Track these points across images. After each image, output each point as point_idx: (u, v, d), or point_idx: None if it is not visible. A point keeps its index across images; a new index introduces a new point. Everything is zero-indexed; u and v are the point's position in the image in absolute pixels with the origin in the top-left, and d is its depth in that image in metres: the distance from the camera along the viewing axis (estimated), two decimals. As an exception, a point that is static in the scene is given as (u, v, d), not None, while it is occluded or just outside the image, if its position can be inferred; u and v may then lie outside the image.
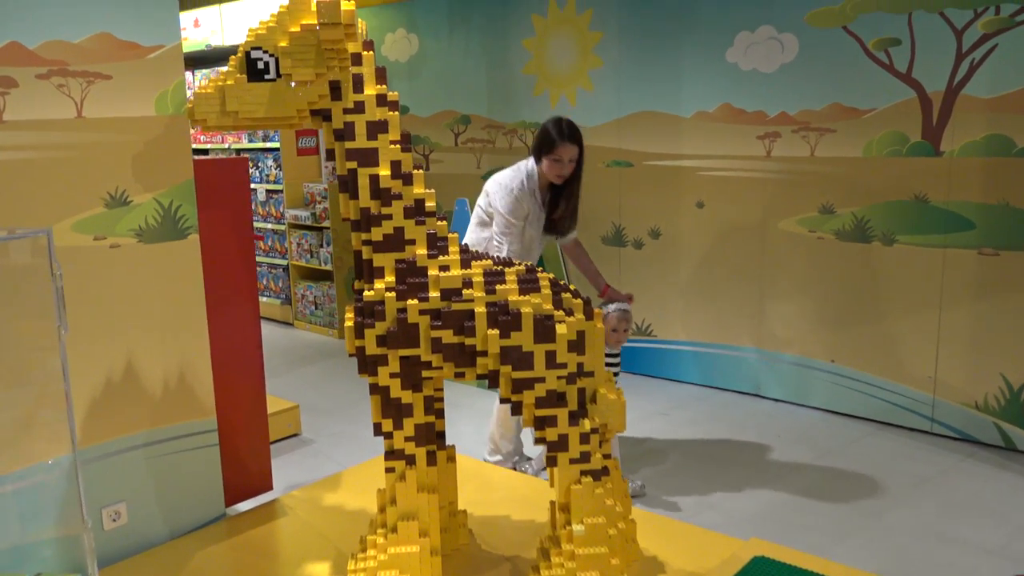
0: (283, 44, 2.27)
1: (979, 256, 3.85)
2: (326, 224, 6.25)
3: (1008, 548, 3.06)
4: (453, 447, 2.77)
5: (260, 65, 2.28)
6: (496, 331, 2.31)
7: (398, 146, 2.40)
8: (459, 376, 2.46)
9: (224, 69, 2.34)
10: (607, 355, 3.59)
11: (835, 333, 4.36)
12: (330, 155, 2.46)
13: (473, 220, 3.68)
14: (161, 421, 2.81)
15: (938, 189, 3.92)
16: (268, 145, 6.42)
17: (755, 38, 4.35)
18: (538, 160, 3.45)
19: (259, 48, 2.28)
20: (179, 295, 2.81)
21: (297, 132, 6.26)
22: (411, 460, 2.48)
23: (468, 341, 2.34)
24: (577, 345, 2.37)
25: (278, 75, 2.29)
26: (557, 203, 3.53)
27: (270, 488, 3.26)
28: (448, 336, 2.36)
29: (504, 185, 3.49)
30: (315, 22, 2.26)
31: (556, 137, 3.36)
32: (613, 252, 5.16)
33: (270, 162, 6.55)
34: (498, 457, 3.75)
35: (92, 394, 2.64)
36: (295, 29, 2.26)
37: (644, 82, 4.79)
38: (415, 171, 2.42)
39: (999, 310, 3.83)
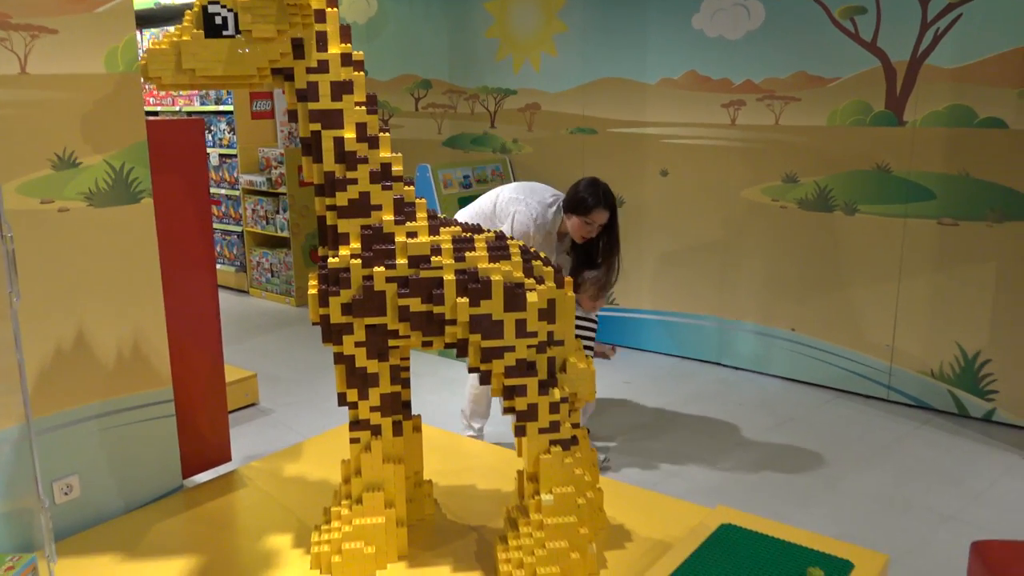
0: (242, -2, 2.16)
1: (939, 226, 3.90)
2: (282, 190, 6.10)
3: (964, 512, 3.13)
4: (419, 416, 2.73)
5: (218, 20, 2.17)
6: (465, 299, 2.26)
7: (363, 108, 2.31)
8: (426, 345, 2.40)
9: (179, 25, 2.23)
10: (586, 320, 3.57)
11: (796, 302, 4.39)
12: (292, 116, 2.36)
13: (469, 211, 3.66)
14: (115, 392, 2.71)
15: (900, 159, 3.94)
16: (221, 108, 6.22)
17: (721, 4, 4.31)
18: (567, 214, 3.43)
19: (216, 3, 2.16)
20: (133, 262, 2.70)
21: (252, 95, 6.07)
22: (376, 430, 2.43)
23: (436, 309, 2.28)
24: (548, 313, 2.33)
25: (237, 31, 2.19)
26: (587, 264, 3.49)
27: (228, 459, 3.19)
28: (416, 304, 2.30)
29: (524, 209, 3.48)
30: (276, -25, 2.16)
31: (591, 202, 3.32)
32: (576, 220, 5.12)
33: (223, 126, 6.35)
34: (471, 434, 3.71)
35: (42, 365, 2.53)
36: (255, -18, 2.16)
37: (609, 48, 4.73)
38: (381, 134, 2.34)
39: (957, 280, 3.88)
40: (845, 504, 3.20)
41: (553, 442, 2.38)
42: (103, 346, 2.66)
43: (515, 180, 5.33)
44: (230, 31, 2.19)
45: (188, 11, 2.26)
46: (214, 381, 3.11)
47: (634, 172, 4.81)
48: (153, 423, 2.81)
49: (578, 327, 3.40)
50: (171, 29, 2.32)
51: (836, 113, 4.08)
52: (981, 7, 3.62)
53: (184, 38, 2.18)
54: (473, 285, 2.27)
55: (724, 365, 4.72)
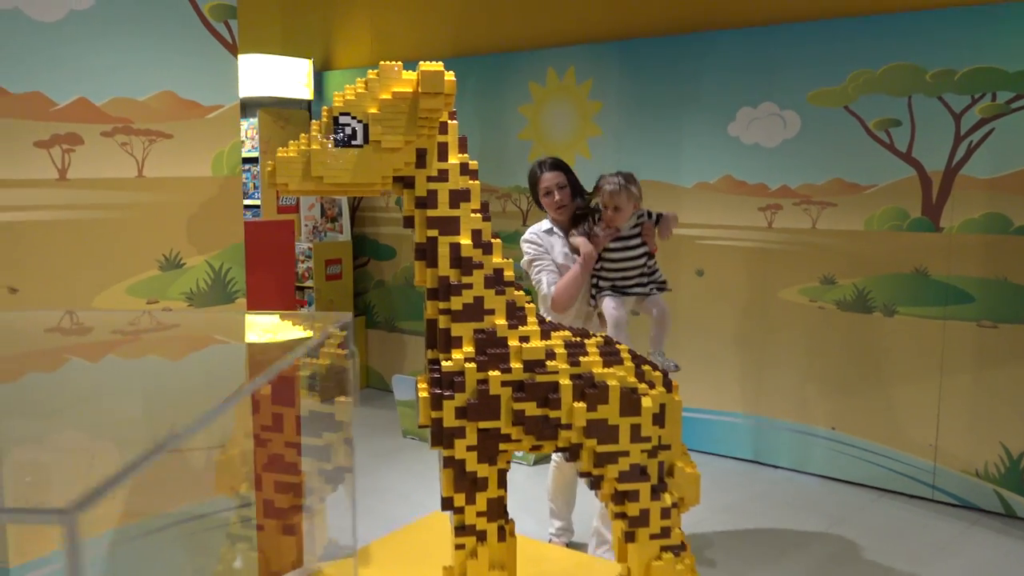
0: (373, 111, 2.24)
1: (978, 328, 4.02)
2: (309, 284, 6.13)
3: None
4: (513, 522, 2.70)
5: (348, 131, 2.25)
6: (583, 404, 2.28)
7: (479, 215, 2.37)
8: (535, 449, 2.41)
9: (305, 134, 2.30)
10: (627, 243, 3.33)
11: (836, 400, 4.46)
12: (407, 223, 2.42)
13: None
14: (200, 496, 2.67)
15: (938, 263, 4.09)
16: (248, 202, 6.29)
17: (757, 114, 4.52)
18: (540, 205, 3.49)
19: (347, 114, 2.24)
20: (222, 361, 2.69)
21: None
22: (482, 536, 2.40)
23: (552, 414, 2.30)
24: (659, 418, 2.36)
25: (366, 141, 2.26)
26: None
27: (300, 564, 3.11)
28: (531, 408, 2.32)
29: (525, 238, 3.53)
30: (406, 90, 2.24)
31: (537, 170, 3.44)
32: (609, 317, 5.19)
33: (249, 216, 6.41)
34: (556, 531, 3.70)
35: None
36: (386, 96, 2.24)
37: (644, 152, 4.90)
38: (494, 240, 2.40)
39: (998, 380, 3.98)
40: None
41: (664, 548, 2.37)
42: (193, 448, 2.63)
43: (546, 277, 5.40)
44: (359, 141, 2.26)
45: (315, 121, 2.34)
46: (293, 484, 3.06)
47: (670, 271, 4.87)
48: (233, 528, 2.76)
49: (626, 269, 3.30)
50: (303, 135, 2.39)
51: (873, 218, 4.24)
52: (1012, 122, 3.84)
53: (313, 147, 2.25)
54: (590, 390, 2.29)
55: (762, 463, 4.73)
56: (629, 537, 2.38)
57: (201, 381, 2.16)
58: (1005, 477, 4.01)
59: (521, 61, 5.35)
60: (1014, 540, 3.81)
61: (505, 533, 2.49)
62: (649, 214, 3.33)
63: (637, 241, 3.31)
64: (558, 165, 3.44)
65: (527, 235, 3.47)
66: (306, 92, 6.19)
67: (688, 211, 4.81)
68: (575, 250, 3.33)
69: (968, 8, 3.90)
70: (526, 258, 3.45)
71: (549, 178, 3.41)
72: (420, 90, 2.14)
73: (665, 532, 2.35)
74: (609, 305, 3.25)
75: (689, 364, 4.92)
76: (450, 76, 2.17)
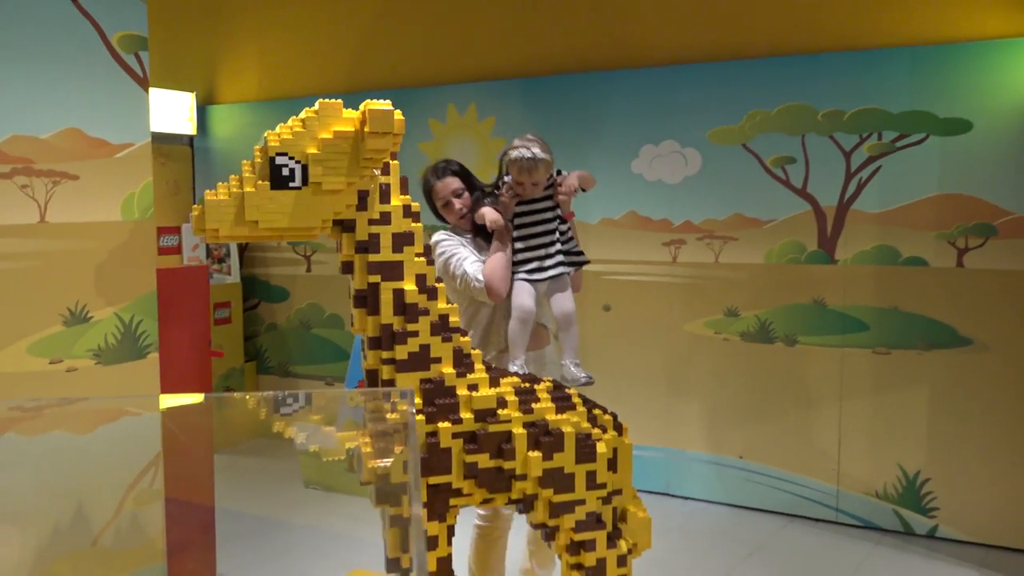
0: (312, 151, 2.11)
1: (873, 355, 4.22)
2: (194, 328, 5.76)
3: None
4: (458, 579, 2.57)
5: (285, 172, 2.11)
6: (538, 453, 2.21)
7: (423, 259, 2.28)
8: (486, 502, 2.32)
9: (235, 176, 2.14)
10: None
11: (743, 429, 4.57)
12: (346, 268, 2.28)
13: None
14: (111, 572, 2.40)
15: (834, 294, 4.28)
16: (124, 242, 5.87)
17: (660, 151, 4.63)
18: (439, 217, 3.02)
19: (284, 154, 2.10)
20: (134, 422, 2.45)
21: (159, 229, 5.78)
22: (432, 598, 2.27)
23: (506, 465, 2.21)
24: (613, 463, 2.31)
25: (304, 183, 2.13)
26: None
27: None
28: (484, 460, 2.22)
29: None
30: (348, 128, 2.13)
31: (430, 179, 2.94)
32: (517, 354, 5.14)
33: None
34: None
35: (42, 549, 2.21)
36: (326, 135, 2.12)
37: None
38: (437, 284, 2.30)
39: (893, 404, 4.19)
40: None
41: (621, 597, 2.32)
42: (100, 522, 2.37)
43: (451, 315, 5.31)
44: (297, 183, 2.12)
45: (246, 161, 2.18)
46: (206, 553, 2.82)
47: (577, 307, 4.91)
48: (146, 605, 2.50)
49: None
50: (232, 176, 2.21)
51: (773, 252, 4.41)
52: (897, 161, 4.09)
53: (247, 189, 2.09)
54: (545, 438, 2.22)
55: (673, 495, 4.78)
56: (585, 588, 2.31)
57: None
58: (903, 496, 4.20)
59: (421, 97, 5.28)
60: (914, 556, 3.99)
61: (455, 593, 2.38)
62: (559, 172, 2.85)
63: (548, 204, 2.81)
64: (450, 169, 2.96)
65: (437, 236, 2.95)
66: (188, 127, 5.88)
67: (594, 247, 4.84)
68: (480, 229, 2.86)
69: (854, 52, 4.15)
70: (442, 259, 2.86)
71: (442, 187, 2.91)
72: (367, 129, 2.03)
73: (622, 580, 2.30)
74: (518, 294, 2.74)
75: (597, 399, 4.93)
76: (399, 115, 2.08)
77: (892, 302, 4.17)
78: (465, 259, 2.79)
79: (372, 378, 2.30)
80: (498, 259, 2.74)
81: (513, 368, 2.63)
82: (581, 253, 2.90)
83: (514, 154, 2.73)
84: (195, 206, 2.12)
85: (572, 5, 4.93)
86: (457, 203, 2.90)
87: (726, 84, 4.44)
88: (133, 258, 2.42)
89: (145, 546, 2.50)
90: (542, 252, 2.78)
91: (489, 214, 2.75)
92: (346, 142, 2.12)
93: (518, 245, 2.79)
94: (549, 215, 2.79)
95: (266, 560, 3.99)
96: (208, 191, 2.12)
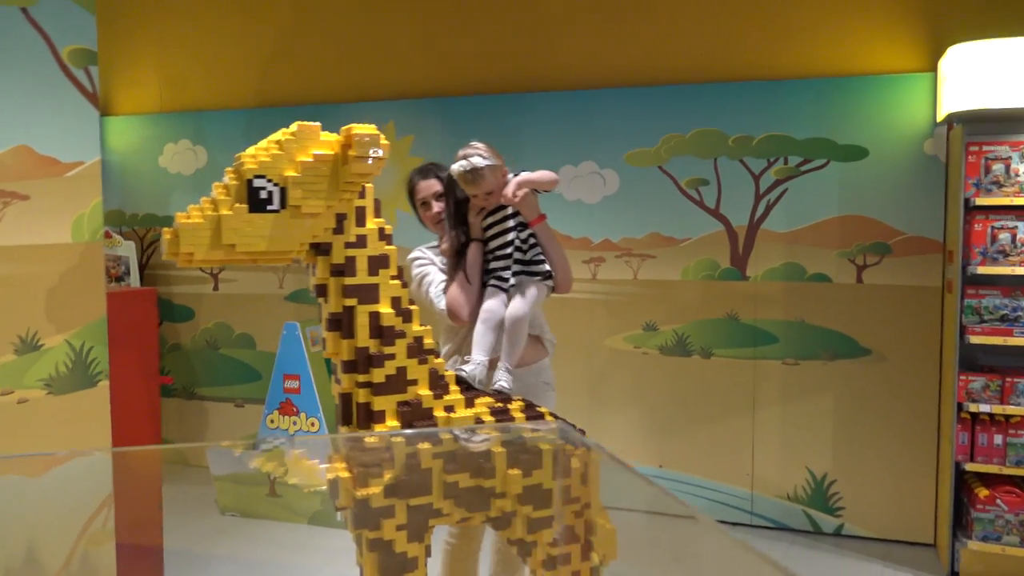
0: (291, 173, 2.08)
1: (783, 366, 4.49)
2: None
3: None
4: (427, 601, 2.57)
5: (263, 195, 2.07)
6: (518, 470, 2.24)
7: (398, 281, 2.28)
8: (463, 521, 2.33)
9: (207, 198, 2.09)
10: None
11: (662, 440, 4.74)
12: (320, 291, 2.26)
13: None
14: (62, 616, 2.27)
15: (746, 308, 4.53)
16: None
17: (579, 172, 4.76)
18: (421, 219, 3.01)
19: (262, 176, 2.07)
20: (86, 461, 2.33)
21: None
22: (410, 622, 2.26)
23: (486, 483, 2.24)
24: (584, 477, 2.38)
25: (282, 206, 2.09)
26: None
27: None
28: (464, 479, 2.24)
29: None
30: (327, 152, 2.12)
31: (414, 177, 2.96)
32: (438, 372, 5.15)
33: None
34: None
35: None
36: (305, 158, 2.10)
37: (468, 207, 4.96)
38: (411, 306, 2.31)
39: (801, 411, 4.46)
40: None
41: (594, 608, 2.38)
42: (53, 563, 2.23)
43: (370, 334, 5.25)
44: (275, 206, 2.09)
45: (217, 183, 2.13)
46: (153, 587, 2.69)
47: (497, 324, 4.98)
48: (96, 649, 2.36)
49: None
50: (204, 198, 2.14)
51: (688, 269, 4.62)
52: (802, 184, 4.38)
53: (223, 212, 2.04)
54: (524, 455, 2.26)
55: (594, 506, 4.89)
56: (559, 601, 2.36)
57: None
58: (812, 498, 4.48)
59: (335, 114, 5.21)
60: (823, 553, 4.26)
61: (430, 615, 2.37)
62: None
63: (506, 212, 2.73)
64: (435, 173, 2.93)
65: (415, 252, 2.96)
66: (82, 139, 5.56)
67: (514, 264, 4.93)
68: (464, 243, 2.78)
69: (762, 82, 4.42)
70: (415, 281, 2.87)
71: (426, 187, 2.92)
72: (353, 153, 2.03)
73: (595, 592, 2.37)
74: (487, 296, 2.70)
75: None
76: (384, 139, 2.09)
77: (799, 316, 4.45)
78: (432, 282, 2.80)
79: (346, 402, 2.28)
80: (459, 282, 2.75)
81: (467, 368, 2.58)
82: (541, 262, 2.77)
83: (454, 168, 2.69)
84: (166, 229, 2.05)
85: (494, 27, 5.01)
86: (435, 206, 2.88)
87: (642, 109, 4.63)
88: (83, 282, 2.30)
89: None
90: (504, 262, 2.74)
91: (511, 186, 2.67)
92: (326, 165, 2.11)
93: (488, 256, 2.77)
94: (510, 223, 2.73)
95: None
96: (179, 213, 2.06)
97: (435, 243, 2.98)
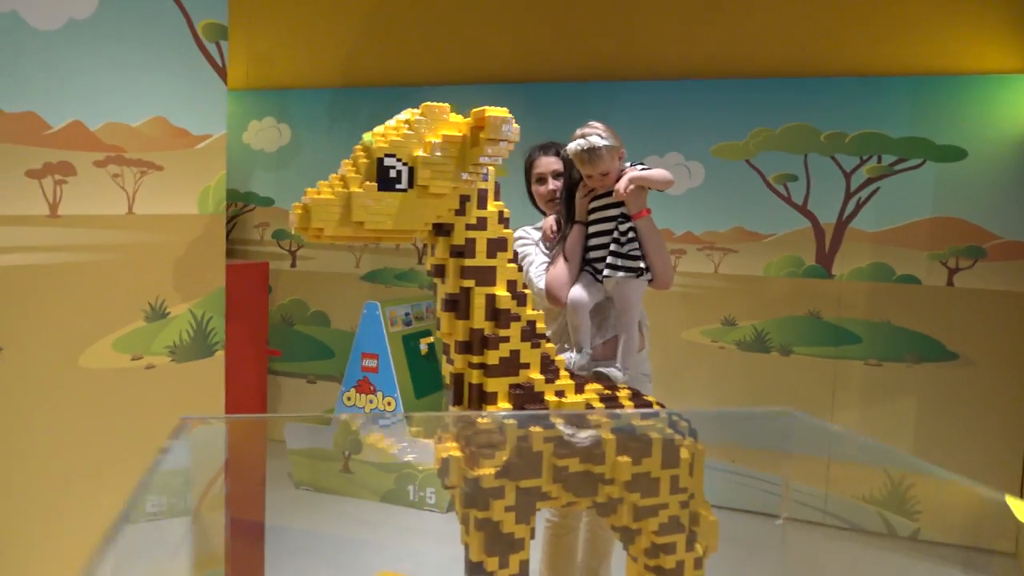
0: (420, 153, 2.11)
1: (866, 366, 4.42)
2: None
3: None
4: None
5: (392, 174, 2.10)
6: (627, 458, 2.25)
7: (514, 265, 2.29)
8: (569, 505, 2.35)
9: (336, 175, 2.12)
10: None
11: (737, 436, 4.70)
12: (438, 272, 2.28)
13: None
14: (177, 576, 2.34)
15: (829, 307, 4.46)
16: None
17: (664, 163, 4.72)
18: (531, 196, 2.99)
19: (392, 156, 2.09)
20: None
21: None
22: (513, 600, 2.29)
23: (596, 469, 2.25)
24: (690, 468, 2.37)
25: (410, 185, 2.12)
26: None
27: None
28: (574, 464, 2.25)
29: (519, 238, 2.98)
30: (455, 133, 2.13)
31: (534, 153, 2.95)
32: (510, 358, 5.17)
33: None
34: None
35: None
36: (434, 139, 2.12)
37: (548, 194, 4.96)
38: (526, 290, 2.32)
39: (883, 413, 4.39)
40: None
41: (696, 599, 2.38)
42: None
43: (444, 317, 5.30)
44: (403, 185, 2.11)
45: (346, 160, 2.16)
46: (253, 560, 2.76)
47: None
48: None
49: None
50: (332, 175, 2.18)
51: (771, 265, 4.56)
52: (895, 183, 4.30)
53: (354, 189, 2.07)
54: (634, 443, 2.27)
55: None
56: (659, 590, 2.37)
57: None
58: (888, 500, 4.41)
59: (418, 96, 5.21)
60: (898, 556, 4.20)
61: (532, 595, 2.40)
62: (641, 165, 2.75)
63: (609, 200, 2.70)
64: (556, 150, 2.90)
65: (517, 232, 2.90)
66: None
67: (592, 253, 4.92)
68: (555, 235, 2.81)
69: (858, 79, 4.33)
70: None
71: (545, 163, 2.90)
72: (486, 136, 2.04)
73: (697, 583, 2.37)
74: (574, 290, 2.71)
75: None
76: (516, 124, 2.10)
77: (885, 316, 4.37)
78: (532, 263, 2.80)
79: (458, 383, 2.30)
80: (559, 265, 2.75)
81: (571, 356, 2.63)
82: (638, 258, 2.69)
83: (570, 147, 2.66)
84: (296, 204, 2.09)
85: (583, 13, 4.99)
86: (552, 183, 2.88)
87: (731, 101, 4.57)
88: (206, 253, 2.36)
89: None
90: (600, 252, 2.71)
91: (623, 180, 2.66)
92: (454, 146, 2.13)
93: (590, 242, 2.74)
94: (612, 212, 2.70)
95: (274, 567, 3.91)
96: (310, 189, 2.10)
97: (539, 224, 2.99)
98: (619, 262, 2.72)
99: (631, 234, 2.74)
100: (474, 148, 2.11)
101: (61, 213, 1.94)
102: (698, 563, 2.35)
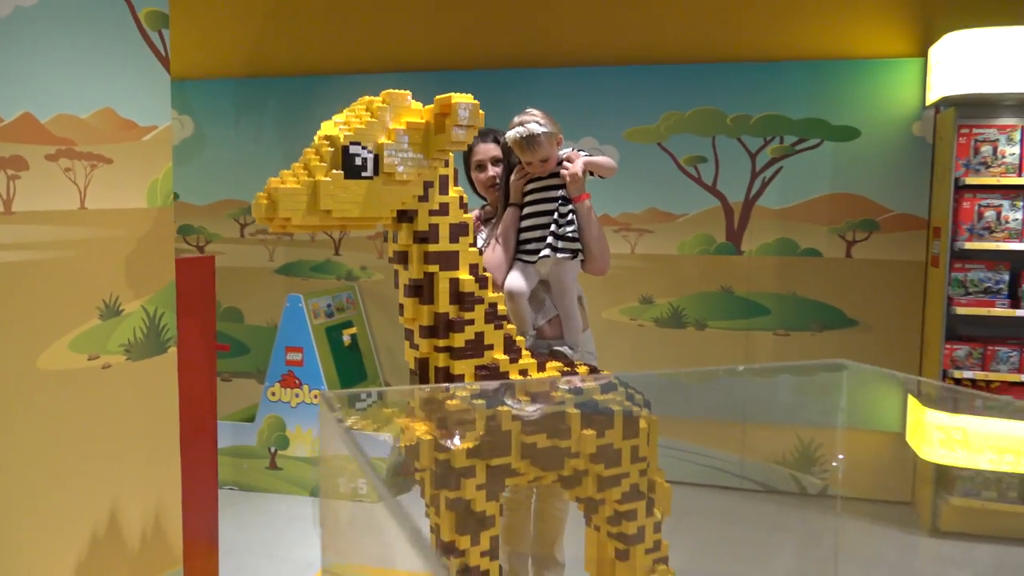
0: (385, 141, 2.12)
1: (775, 337, 4.69)
2: None
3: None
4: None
5: (358, 161, 2.10)
6: (592, 431, 2.34)
7: (475, 248, 2.34)
8: (535, 480, 2.42)
9: (297, 165, 2.12)
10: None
11: (655, 409, 4.89)
12: (401, 258, 2.30)
13: None
14: (140, 579, 2.28)
15: (740, 282, 4.70)
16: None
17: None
18: (471, 183, 3.01)
19: (358, 143, 2.10)
20: (156, 426, 2.34)
21: None
22: (485, 577, 2.35)
23: (562, 444, 2.33)
24: (648, 436, 2.49)
25: (375, 173, 2.13)
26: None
27: None
28: (542, 440, 2.33)
29: None
30: (419, 120, 2.16)
31: (474, 140, 2.89)
32: (433, 345, 5.19)
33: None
34: None
35: (77, 551, 2.08)
36: (399, 126, 2.14)
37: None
38: (486, 273, 2.37)
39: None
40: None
41: (657, 560, 2.50)
42: (128, 528, 2.24)
43: (365, 308, 5.26)
44: (369, 172, 2.12)
45: (308, 149, 2.15)
46: (208, 562, 2.71)
47: (494, 297, 5.05)
48: (166, 613, 2.38)
49: None
50: (295, 165, 2.16)
51: (685, 244, 4.76)
52: (796, 162, 4.56)
53: (320, 177, 2.06)
54: (597, 416, 2.36)
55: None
56: (622, 556, 2.47)
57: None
58: (798, 462, 4.71)
59: (331, 85, 5.17)
60: (811, 513, 4.50)
61: (502, 571, 2.46)
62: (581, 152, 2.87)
63: (554, 182, 2.76)
64: (495, 137, 2.95)
65: None
66: None
67: (511, 238, 5.00)
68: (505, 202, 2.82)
69: (761, 64, 4.57)
70: None
71: (484, 150, 2.93)
72: (452, 122, 2.07)
73: (657, 545, 2.48)
74: (509, 278, 2.73)
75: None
76: (481, 111, 2.14)
77: (791, 289, 4.65)
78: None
79: (424, 367, 2.33)
80: (494, 249, 2.78)
81: None
82: (575, 239, 2.76)
83: (510, 134, 2.71)
84: (260, 195, 2.07)
85: (495, 1, 5.03)
86: (491, 169, 2.92)
87: (642, 87, 4.73)
88: (156, 247, 2.28)
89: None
90: (539, 232, 2.75)
91: (579, 164, 2.76)
92: (418, 133, 2.16)
93: (523, 223, 2.77)
94: (556, 194, 2.76)
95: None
96: (273, 179, 2.08)
97: (477, 209, 3.02)
98: (559, 243, 2.77)
99: (570, 216, 2.82)
100: (438, 135, 2.14)
101: (16, 210, 1.85)
102: (657, 527, 2.47)
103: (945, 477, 4.19)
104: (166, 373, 2.34)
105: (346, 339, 4.88)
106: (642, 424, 2.42)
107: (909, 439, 3.80)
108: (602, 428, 2.35)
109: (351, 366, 4.91)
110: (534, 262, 2.78)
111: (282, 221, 2.05)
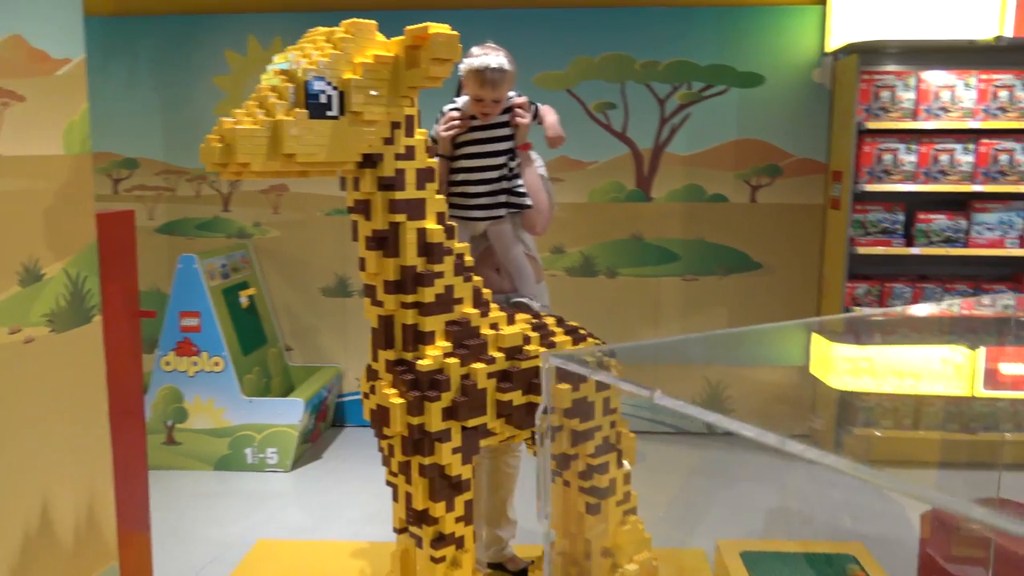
0: (351, 76, 1.91)
1: (683, 282, 4.76)
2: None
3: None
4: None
5: (323, 99, 1.89)
6: (567, 385, 2.25)
7: (442, 196, 2.17)
8: (509, 439, 2.32)
9: (251, 103, 1.87)
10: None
11: (569, 359, 4.89)
12: (361, 207, 2.10)
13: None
14: (78, 578, 2.03)
15: (650, 228, 4.72)
16: None
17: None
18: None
19: (321, 79, 1.88)
20: (83, 406, 2.06)
21: None
22: (460, 543, 2.24)
23: (538, 399, 2.23)
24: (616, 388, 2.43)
25: (341, 112, 1.92)
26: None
27: None
28: (518, 397, 2.22)
29: None
30: (387, 53, 1.96)
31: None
32: (337, 303, 4.94)
33: None
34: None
35: (7, 554, 1.82)
36: (365, 60, 1.93)
37: (366, 129, 4.73)
38: (452, 223, 2.21)
39: (700, 324, 4.77)
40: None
41: (627, 511, 2.46)
42: (61, 520, 1.97)
43: (260, 268, 4.93)
44: (334, 112, 1.90)
45: (263, 85, 1.91)
46: (142, 553, 2.45)
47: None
48: (105, 611, 2.13)
49: None
50: (248, 103, 1.89)
51: (595, 192, 4.72)
52: (704, 109, 4.59)
53: (280, 117, 1.83)
54: (568, 370, 2.26)
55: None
56: (593, 510, 2.42)
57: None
58: (708, 403, 4.83)
59: (213, 25, 4.73)
60: (719, 452, 4.66)
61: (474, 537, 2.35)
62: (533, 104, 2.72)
63: (506, 131, 2.61)
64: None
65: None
66: None
67: (416, 189, 4.80)
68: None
69: (669, 8, 4.54)
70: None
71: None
72: (429, 56, 1.89)
73: (627, 496, 2.45)
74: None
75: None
76: (456, 40, 1.96)
77: (699, 234, 4.72)
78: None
79: (387, 325, 2.17)
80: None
81: None
82: (524, 195, 2.65)
83: (476, 63, 2.47)
84: (211, 136, 1.82)
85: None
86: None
87: (552, 31, 4.60)
88: (75, 202, 1.97)
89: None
90: (489, 186, 2.57)
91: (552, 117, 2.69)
92: (387, 68, 1.96)
93: (462, 176, 2.55)
94: (505, 145, 2.61)
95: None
96: (225, 119, 1.83)
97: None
98: (513, 199, 2.64)
99: (517, 170, 2.69)
100: (410, 69, 1.95)
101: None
102: (627, 478, 2.44)
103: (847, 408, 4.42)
104: (92, 345, 2.05)
105: (243, 300, 4.56)
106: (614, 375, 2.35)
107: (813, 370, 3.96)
108: (577, 381, 2.27)
109: (251, 329, 4.61)
110: (482, 219, 2.62)
111: (238, 167, 1.81)
